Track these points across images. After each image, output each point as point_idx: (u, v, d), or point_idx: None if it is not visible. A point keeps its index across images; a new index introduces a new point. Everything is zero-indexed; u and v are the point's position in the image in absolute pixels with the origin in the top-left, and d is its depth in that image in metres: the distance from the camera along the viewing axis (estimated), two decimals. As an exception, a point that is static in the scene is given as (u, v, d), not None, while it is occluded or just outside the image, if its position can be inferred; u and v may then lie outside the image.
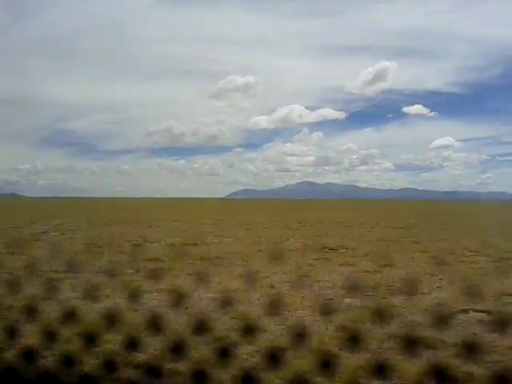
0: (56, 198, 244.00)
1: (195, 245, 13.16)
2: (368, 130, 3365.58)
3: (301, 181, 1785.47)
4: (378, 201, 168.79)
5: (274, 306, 2.84)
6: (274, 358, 1.93)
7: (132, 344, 2.17)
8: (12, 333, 2.33)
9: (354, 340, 1.91)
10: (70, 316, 2.29)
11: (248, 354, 3.58)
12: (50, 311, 2.80)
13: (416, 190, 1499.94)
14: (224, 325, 3.96)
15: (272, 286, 7.18)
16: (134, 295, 4.28)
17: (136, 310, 4.35)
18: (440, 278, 7.94)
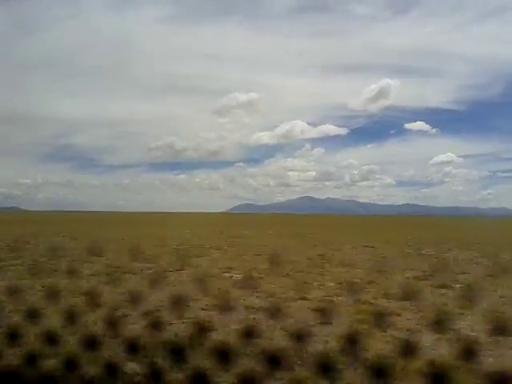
0: (58, 211, 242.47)
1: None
2: (369, 146, 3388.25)
3: (301, 196, 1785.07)
4: (372, 217, 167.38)
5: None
6: None
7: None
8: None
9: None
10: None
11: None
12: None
13: (417, 205, 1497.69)
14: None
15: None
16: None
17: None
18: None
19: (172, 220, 66.02)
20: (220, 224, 49.06)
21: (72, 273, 8.85)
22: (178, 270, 10.29)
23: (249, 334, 3.14)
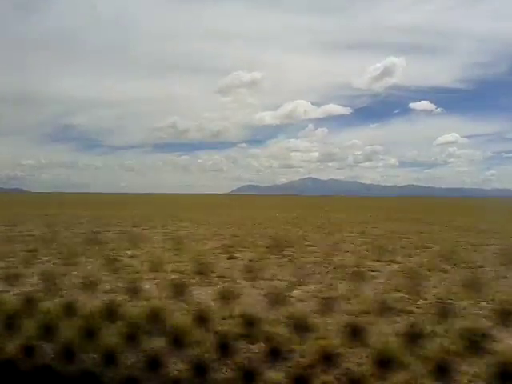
0: (61, 192, 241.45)
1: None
2: (373, 125, 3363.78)
3: (304, 177, 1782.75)
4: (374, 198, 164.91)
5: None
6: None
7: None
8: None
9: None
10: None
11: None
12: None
13: (420, 186, 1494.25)
14: None
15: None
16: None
17: None
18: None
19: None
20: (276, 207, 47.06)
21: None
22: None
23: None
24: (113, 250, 10.26)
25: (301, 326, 3.18)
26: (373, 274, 7.79)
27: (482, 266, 8.74)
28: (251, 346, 3.80)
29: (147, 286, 6.20)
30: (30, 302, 3.56)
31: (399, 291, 6.19)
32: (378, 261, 9.25)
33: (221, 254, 10.32)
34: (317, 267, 8.41)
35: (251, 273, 7.11)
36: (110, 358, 3.09)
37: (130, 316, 3.40)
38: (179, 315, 4.01)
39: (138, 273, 7.48)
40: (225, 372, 3.36)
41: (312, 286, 6.71)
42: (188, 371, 3.11)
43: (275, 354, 3.23)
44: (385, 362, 2.65)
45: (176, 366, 3.37)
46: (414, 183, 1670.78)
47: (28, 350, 3.22)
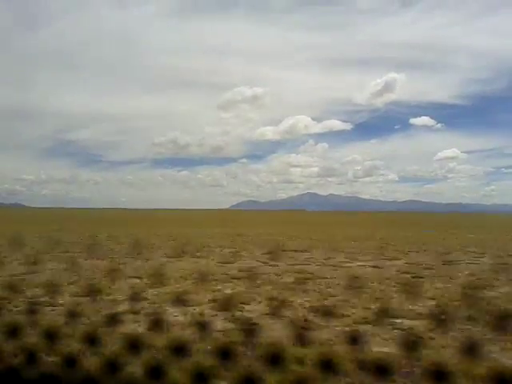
0: (64, 208, 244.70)
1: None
2: (373, 141, 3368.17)
3: (304, 192, 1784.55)
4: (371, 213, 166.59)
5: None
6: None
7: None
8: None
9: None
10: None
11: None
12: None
13: (420, 202, 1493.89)
14: None
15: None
16: None
17: None
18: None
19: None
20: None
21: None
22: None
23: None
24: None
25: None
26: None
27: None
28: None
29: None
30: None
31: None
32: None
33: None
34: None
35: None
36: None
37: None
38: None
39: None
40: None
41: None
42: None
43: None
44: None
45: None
46: (414, 198, 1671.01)
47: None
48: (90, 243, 19.01)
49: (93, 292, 8.03)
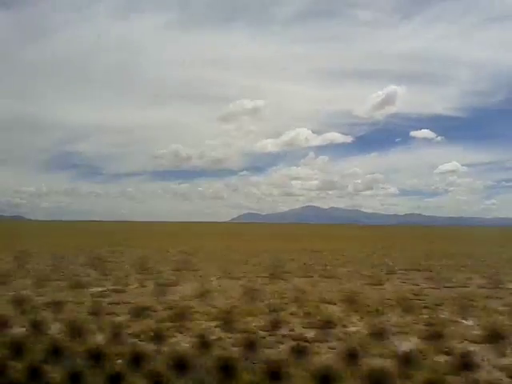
0: (65, 221, 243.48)
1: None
2: (374, 154, 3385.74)
3: (304, 205, 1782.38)
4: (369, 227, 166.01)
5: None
6: None
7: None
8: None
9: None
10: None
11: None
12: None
13: (421, 215, 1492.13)
14: None
15: None
16: None
17: None
18: None
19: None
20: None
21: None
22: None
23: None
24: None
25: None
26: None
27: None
28: None
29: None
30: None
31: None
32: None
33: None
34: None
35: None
36: None
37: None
38: None
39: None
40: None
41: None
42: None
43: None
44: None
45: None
46: (415, 212, 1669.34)
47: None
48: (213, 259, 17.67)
49: (327, 324, 6.84)
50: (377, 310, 8.49)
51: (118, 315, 7.74)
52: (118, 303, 8.90)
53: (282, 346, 6.00)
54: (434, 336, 6.31)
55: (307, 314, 7.65)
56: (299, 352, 4.68)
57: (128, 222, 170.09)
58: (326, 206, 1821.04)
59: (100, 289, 11.04)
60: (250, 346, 4.90)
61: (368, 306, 8.70)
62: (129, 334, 6.33)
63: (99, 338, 6.00)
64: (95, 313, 7.47)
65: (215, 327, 6.69)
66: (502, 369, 5.08)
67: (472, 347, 6.07)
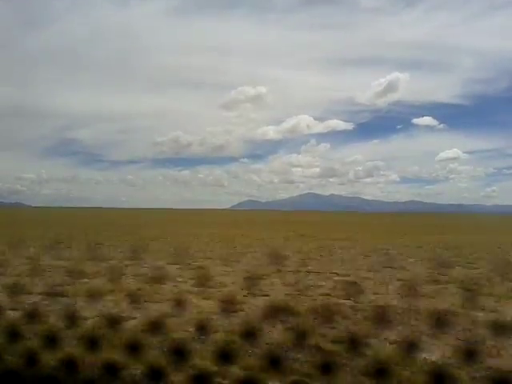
0: (65, 208, 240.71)
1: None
2: (375, 141, 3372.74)
3: (305, 192, 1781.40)
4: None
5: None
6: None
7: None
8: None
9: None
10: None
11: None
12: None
13: (421, 202, 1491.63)
14: None
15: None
16: None
17: None
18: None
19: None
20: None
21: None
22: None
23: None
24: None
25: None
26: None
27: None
28: None
29: None
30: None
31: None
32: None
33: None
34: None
35: None
36: None
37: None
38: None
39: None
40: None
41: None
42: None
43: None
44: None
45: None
46: (416, 199, 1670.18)
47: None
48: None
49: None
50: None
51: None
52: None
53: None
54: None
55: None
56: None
57: (128, 210, 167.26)
58: (326, 193, 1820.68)
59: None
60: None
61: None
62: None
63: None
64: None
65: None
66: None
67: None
